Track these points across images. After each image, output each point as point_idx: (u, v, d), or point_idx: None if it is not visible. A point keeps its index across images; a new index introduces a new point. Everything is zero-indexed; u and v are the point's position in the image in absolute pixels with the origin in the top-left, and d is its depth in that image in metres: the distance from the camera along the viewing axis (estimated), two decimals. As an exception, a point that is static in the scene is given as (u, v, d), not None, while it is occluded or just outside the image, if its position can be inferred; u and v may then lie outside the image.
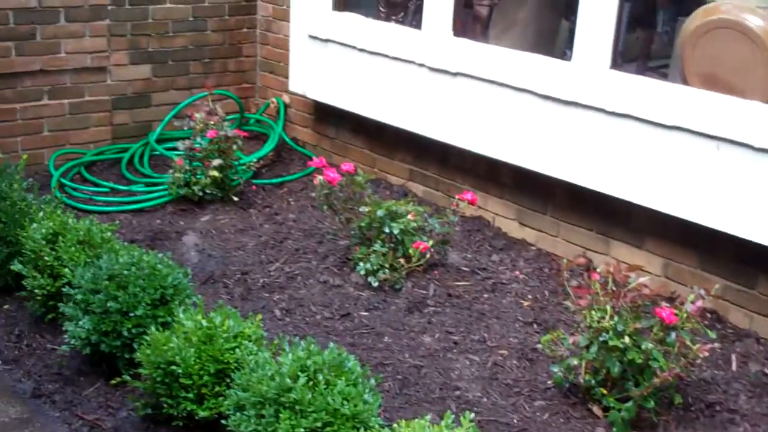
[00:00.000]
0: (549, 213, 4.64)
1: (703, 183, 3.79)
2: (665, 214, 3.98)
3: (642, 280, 3.23)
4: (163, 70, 5.85)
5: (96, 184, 5.30)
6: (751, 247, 3.75)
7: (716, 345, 3.65)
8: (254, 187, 5.31)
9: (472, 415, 2.54)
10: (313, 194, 4.91)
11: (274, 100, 6.12)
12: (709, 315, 3.92)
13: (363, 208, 4.23)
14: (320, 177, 4.25)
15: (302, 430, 2.62)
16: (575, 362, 3.24)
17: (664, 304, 3.19)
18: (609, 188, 4.15)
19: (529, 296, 4.12)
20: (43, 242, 3.81)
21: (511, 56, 4.53)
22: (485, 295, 4.10)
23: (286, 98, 6.09)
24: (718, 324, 3.91)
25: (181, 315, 3.20)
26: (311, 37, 5.49)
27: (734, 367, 3.63)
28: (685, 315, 3.16)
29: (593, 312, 3.20)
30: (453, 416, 2.53)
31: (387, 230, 4.14)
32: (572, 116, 4.21)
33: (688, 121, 3.81)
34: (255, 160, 5.41)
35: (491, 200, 4.90)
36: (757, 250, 3.74)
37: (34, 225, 3.94)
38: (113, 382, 3.40)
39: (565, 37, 5.76)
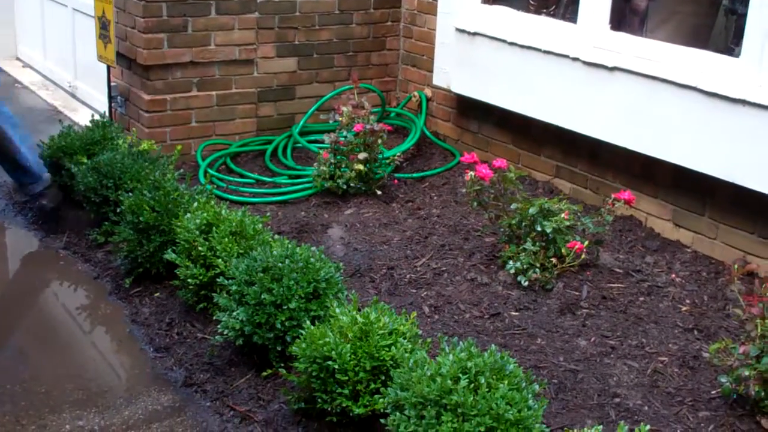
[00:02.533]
0: (707, 214, 4.41)
1: None
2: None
3: (822, 288, 3.02)
4: (307, 63, 5.89)
5: (241, 175, 5.38)
6: None
7: None
8: (396, 181, 5.28)
9: (648, 427, 2.41)
10: (461, 190, 4.85)
11: (416, 93, 6.07)
12: None
13: (514, 205, 4.12)
14: (471, 173, 4.16)
15: (465, 433, 2.56)
16: (746, 373, 3.05)
17: None
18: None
19: (687, 301, 3.93)
20: (197, 232, 3.88)
21: (674, 51, 4.33)
22: (641, 299, 3.94)
23: (428, 92, 6.03)
24: None
25: (337, 309, 3.19)
26: (458, 30, 5.41)
27: None
28: None
29: (766, 321, 3.01)
30: (626, 428, 2.41)
31: (539, 228, 4.02)
32: (739, 114, 3.99)
33: None
34: (398, 154, 5.37)
35: (644, 199, 4.70)
36: None
37: (188, 215, 4.01)
38: (265, 374, 3.42)
39: (720, 32, 5.51)
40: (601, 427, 2.47)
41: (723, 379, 3.16)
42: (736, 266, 3.31)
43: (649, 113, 4.40)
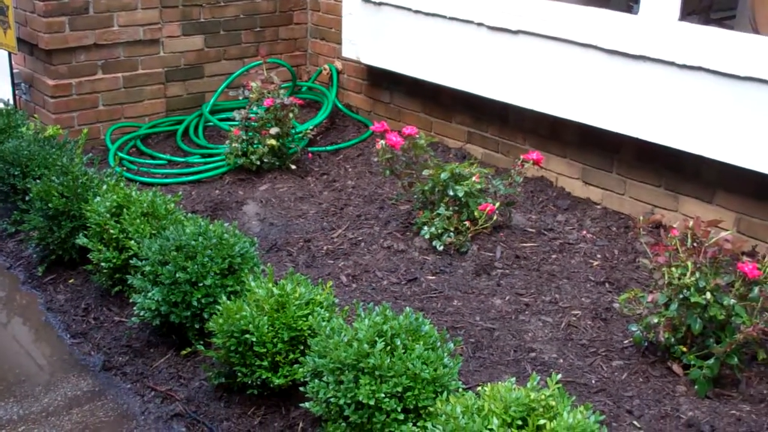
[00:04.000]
0: (615, 171, 4.53)
1: (778, 133, 3.66)
2: (738, 167, 3.85)
3: (723, 235, 3.13)
4: (214, 41, 5.81)
5: (153, 157, 5.30)
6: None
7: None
8: (310, 155, 5.27)
9: (559, 376, 2.48)
10: (374, 159, 4.87)
11: (326, 66, 6.05)
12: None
13: (426, 172, 4.16)
14: (382, 141, 4.18)
15: (382, 395, 2.59)
16: (655, 320, 3.16)
17: (745, 258, 3.09)
18: (678, 143, 4.03)
19: (599, 256, 4.03)
20: (108, 215, 3.81)
21: (575, 11, 4.40)
22: (553, 256, 4.02)
23: (338, 64, 6.02)
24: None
25: (252, 283, 3.18)
26: (364, 0, 5.40)
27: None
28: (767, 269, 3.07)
29: (673, 269, 3.12)
30: (538, 378, 2.47)
31: (451, 193, 4.07)
32: (640, 71, 4.09)
33: (763, 71, 3.66)
34: (311, 127, 5.36)
35: (554, 160, 4.80)
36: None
37: (98, 198, 3.94)
38: (184, 352, 3.40)
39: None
40: (514, 379, 2.52)
41: (633, 328, 3.26)
42: (641, 218, 3.39)
43: (553, 74, 4.48)
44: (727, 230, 3.18)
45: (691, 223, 3.19)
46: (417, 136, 4.21)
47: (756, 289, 3.05)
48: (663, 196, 4.32)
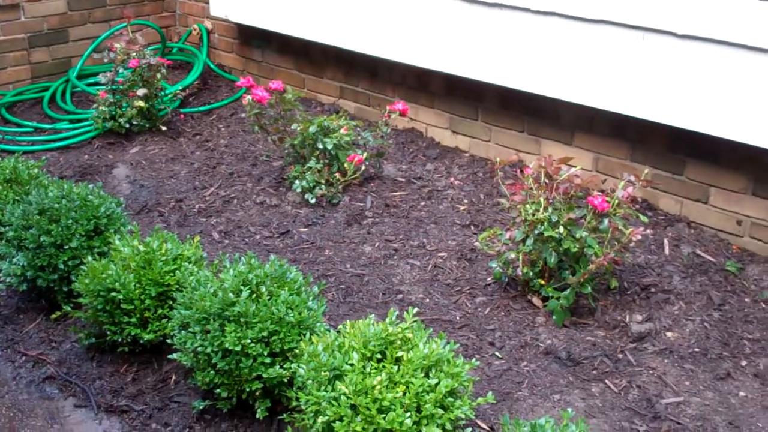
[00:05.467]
0: (480, 119, 4.66)
1: (630, 75, 3.83)
2: (594, 108, 4.02)
3: (573, 171, 3.28)
4: (78, 4, 5.66)
5: (18, 125, 5.16)
6: (680, 134, 3.83)
7: (649, 231, 3.75)
8: (182, 116, 5.22)
9: (415, 310, 2.57)
10: (244, 116, 4.86)
11: (196, 26, 5.99)
12: (640, 203, 4.02)
13: (295, 126, 4.20)
14: (249, 97, 4.19)
15: (248, 340, 2.64)
16: (512, 256, 3.29)
17: (596, 192, 3.24)
18: (537, 88, 4.17)
19: (465, 200, 4.16)
20: (-32, 184, 3.72)
21: (432, -38, 4.48)
22: (422, 203, 4.13)
23: (208, 24, 5.96)
24: (650, 211, 4.00)
25: (118, 242, 3.17)
26: (228, -43, 5.36)
27: (667, 251, 3.73)
28: (616, 202, 3.23)
29: (527, 206, 3.25)
30: (396, 313, 2.56)
31: (320, 146, 4.12)
32: (497, 18, 4.20)
33: (613, 14, 3.82)
34: (181, 88, 5.31)
35: (423, 111, 4.90)
36: (685, 136, 3.81)
37: (-43, 167, 3.83)
38: (54, 316, 3.37)
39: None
40: (373, 315, 2.60)
41: (493, 264, 3.40)
42: (498, 159, 3.52)
43: (417, 26, 4.55)
44: (575, 166, 3.32)
45: (544, 161, 3.33)
46: (284, 90, 4.23)
47: (606, 221, 3.21)
48: (526, 140, 4.47)
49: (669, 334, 3.18)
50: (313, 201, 4.08)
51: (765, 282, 3.54)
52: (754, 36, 3.42)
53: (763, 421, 2.77)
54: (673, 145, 3.95)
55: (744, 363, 3.04)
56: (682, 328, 3.21)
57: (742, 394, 2.89)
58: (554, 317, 3.23)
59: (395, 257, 3.66)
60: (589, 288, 3.20)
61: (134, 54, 4.91)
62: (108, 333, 3.06)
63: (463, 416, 2.38)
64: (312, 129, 4.13)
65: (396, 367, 2.42)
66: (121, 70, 4.90)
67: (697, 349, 3.10)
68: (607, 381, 2.94)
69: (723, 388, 2.92)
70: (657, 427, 2.73)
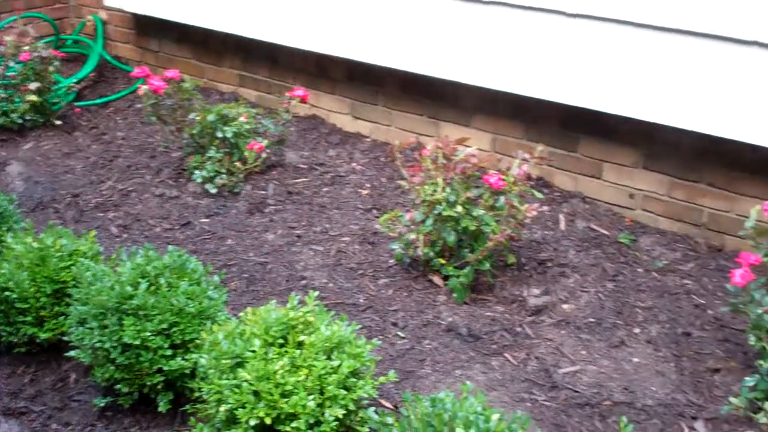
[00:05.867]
0: (381, 104, 4.69)
1: (524, 55, 3.91)
2: (491, 90, 4.09)
3: (469, 150, 3.33)
4: (-38, -4, 5.48)
5: None
6: (573, 112, 3.93)
7: (545, 208, 3.84)
8: (78, 109, 5.11)
9: (316, 293, 2.59)
10: (141, 107, 4.78)
11: (90, 17, 5.85)
12: (537, 181, 4.12)
13: (193, 115, 4.15)
14: (145, 87, 4.12)
15: (148, 333, 2.61)
16: (413, 237, 3.34)
17: (492, 172, 3.31)
18: (436, 71, 4.22)
19: (367, 185, 4.19)
20: None
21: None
22: (324, 189, 4.14)
23: (103, 15, 5.83)
24: (546, 189, 4.10)
25: (10, 240, 3.09)
26: (119, -54, 5.25)
27: (563, 226, 3.84)
28: (512, 180, 3.30)
29: (426, 187, 3.29)
30: (297, 298, 2.57)
31: (220, 135, 4.09)
32: (394, 2, 4.23)
33: (502, -4, 3.90)
34: (75, 81, 5.19)
35: (324, 97, 4.90)
36: (578, 114, 3.92)
37: None
38: (-53, 319, 3.26)
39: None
40: (274, 301, 2.61)
41: (394, 246, 3.44)
42: (397, 142, 3.55)
43: (317, 11, 4.54)
44: (471, 147, 3.37)
45: (441, 143, 3.38)
46: (181, 79, 4.18)
47: (502, 199, 3.28)
48: (426, 123, 4.52)
49: (565, 306, 3.28)
50: (214, 191, 4.05)
51: (657, 252, 3.67)
52: (640, 13, 3.53)
53: (656, 384, 2.88)
54: (567, 123, 4.05)
55: (637, 330, 3.15)
56: (577, 300, 3.31)
57: (635, 360, 3.00)
58: (455, 295, 3.29)
59: (298, 244, 3.67)
60: (488, 265, 3.27)
61: (25, 47, 4.77)
62: (3, 334, 2.99)
63: (366, 396, 2.41)
64: (211, 117, 4.09)
65: (298, 351, 2.43)
66: (12, 64, 4.75)
67: (592, 319, 3.20)
68: (506, 354, 3.01)
69: (617, 355, 3.03)
70: (555, 396, 2.81)
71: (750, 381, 2.76)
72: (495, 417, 2.20)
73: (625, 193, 3.97)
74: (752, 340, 2.76)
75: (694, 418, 2.72)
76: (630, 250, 3.68)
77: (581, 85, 3.78)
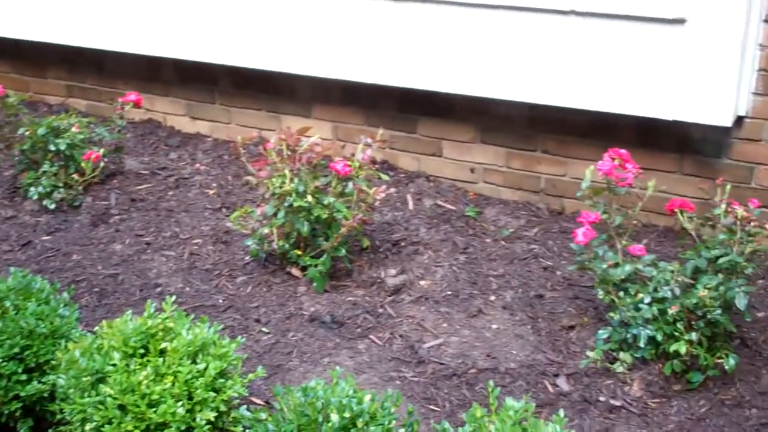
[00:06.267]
0: (218, 102, 4.62)
1: (355, 41, 3.94)
2: (327, 78, 4.11)
3: (312, 140, 3.34)
4: None
5: None
6: (408, 94, 4.00)
7: (393, 190, 3.93)
8: None
9: (173, 297, 2.54)
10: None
11: None
12: (381, 164, 4.18)
13: (22, 130, 3.96)
14: (-38, 106, 3.91)
15: (0, 360, 2.49)
16: (266, 231, 3.32)
17: (337, 159, 3.33)
18: (269, 64, 4.20)
19: (214, 185, 4.13)
20: None
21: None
22: (170, 193, 4.05)
23: None
24: (391, 171, 4.16)
25: None
26: None
27: (411, 206, 3.91)
28: (357, 165, 3.34)
29: (274, 180, 3.28)
30: (154, 305, 2.51)
31: (53, 148, 3.93)
32: (219, -2, 4.19)
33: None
34: None
35: (159, 100, 4.78)
36: (413, 96, 4.00)
37: None
38: None
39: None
40: (130, 311, 2.54)
41: (249, 242, 3.41)
42: (239, 138, 3.52)
43: (139, 11, 4.42)
44: (314, 136, 3.38)
45: (284, 134, 3.37)
46: (5, 95, 3.99)
47: (350, 184, 3.31)
48: (266, 118, 4.50)
49: (422, 282, 3.35)
50: (52, 206, 3.89)
51: (502, 222, 3.81)
52: (462, -7, 3.64)
53: (516, 348, 2.99)
54: (404, 106, 4.13)
55: (493, 298, 3.26)
56: (433, 275, 3.39)
57: (494, 326, 3.11)
58: (315, 284, 3.30)
59: (149, 251, 3.58)
60: (344, 251, 3.29)
61: None
62: None
63: (236, 395, 2.39)
64: (41, 131, 3.92)
65: (161, 359, 2.37)
66: None
67: (449, 292, 3.28)
68: (371, 336, 3.05)
69: (477, 324, 3.12)
70: (423, 371, 2.88)
71: (603, 334, 2.92)
72: (367, 398, 2.23)
73: (466, 168, 4.09)
74: (601, 294, 2.91)
75: (556, 375, 2.85)
76: (477, 222, 3.79)
77: (413, 67, 3.85)
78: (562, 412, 2.10)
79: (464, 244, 3.60)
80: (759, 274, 3.38)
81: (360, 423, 2.16)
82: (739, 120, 3.49)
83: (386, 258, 3.51)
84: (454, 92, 3.85)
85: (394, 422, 2.21)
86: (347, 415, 2.15)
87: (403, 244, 3.60)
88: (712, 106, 3.35)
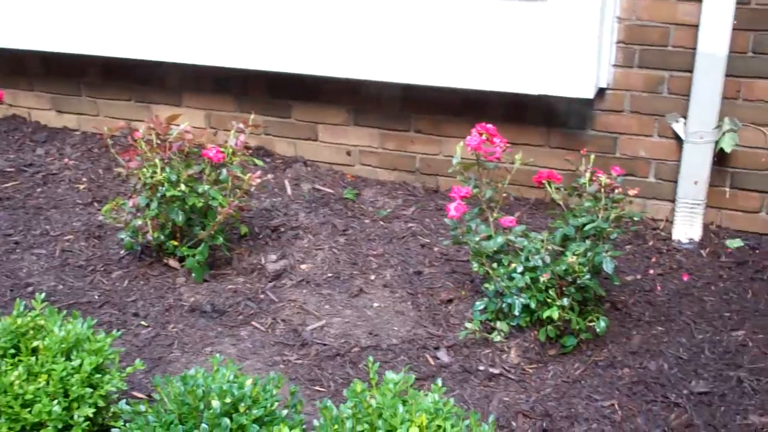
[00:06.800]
0: (85, 94, 4.49)
1: (223, 25, 3.89)
2: (197, 65, 4.05)
3: (182, 127, 3.29)
4: None
5: None
6: (280, 79, 3.99)
7: (270, 176, 3.92)
8: None
9: (43, 295, 2.46)
10: None
11: None
12: (258, 150, 4.16)
13: None
14: None
15: None
16: (140, 223, 3.25)
17: (210, 146, 3.28)
18: (138, 53, 4.10)
19: (84, 179, 4.01)
20: None
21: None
22: (38, 190, 3.92)
23: None
24: (268, 157, 4.15)
25: None
26: None
27: (289, 191, 3.90)
28: (231, 151, 3.30)
29: (145, 170, 3.21)
30: (23, 304, 2.43)
31: None
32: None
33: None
34: None
35: (22, 94, 4.61)
36: (285, 80, 3.98)
37: None
38: None
39: None
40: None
41: (122, 236, 3.33)
42: (106, 129, 3.42)
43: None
44: (182, 123, 3.32)
45: (153, 123, 3.30)
46: None
47: (224, 171, 3.27)
48: (136, 108, 4.40)
49: (303, 266, 3.35)
50: None
51: (380, 202, 3.84)
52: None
53: (397, 324, 3.03)
54: (276, 91, 4.11)
55: (373, 277, 3.29)
56: (314, 259, 3.39)
57: (376, 305, 3.14)
58: (193, 274, 3.26)
59: (18, 251, 3.45)
60: (221, 239, 3.26)
61: None
62: None
63: (114, 389, 2.34)
64: None
65: (34, 358, 2.30)
66: None
67: (330, 274, 3.30)
68: (253, 323, 3.04)
69: (358, 303, 3.15)
70: (306, 353, 2.88)
71: (480, 305, 2.99)
72: (248, 382, 2.22)
73: (342, 151, 4.11)
74: (475, 266, 2.97)
75: (437, 348, 2.90)
76: (355, 204, 3.82)
77: (280, 51, 3.84)
78: (440, 382, 2.14)
79: (343, 226, 3.62)
80: (627, 240, 3.53)
81: (242, 407, 2.15)
82: (602, 92, 3.62)
83: (266, 244, 3.49)
84: (323, 75, 3.85)
85: (276, 404, 2.21)
86: (228, 400, 2.14)
87: (282, 229, 3.60)
88: (573, 79, 3.47)
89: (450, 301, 3.15)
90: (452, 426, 2.06)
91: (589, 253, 2.79)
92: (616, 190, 2.87)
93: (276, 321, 3.04)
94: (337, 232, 3.57)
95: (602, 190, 2.86)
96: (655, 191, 3.68)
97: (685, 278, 3.28)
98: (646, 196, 3.70)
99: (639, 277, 3.29)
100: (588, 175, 2.95)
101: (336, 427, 2.08)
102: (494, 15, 3.50)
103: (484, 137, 2.96)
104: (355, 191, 3.91)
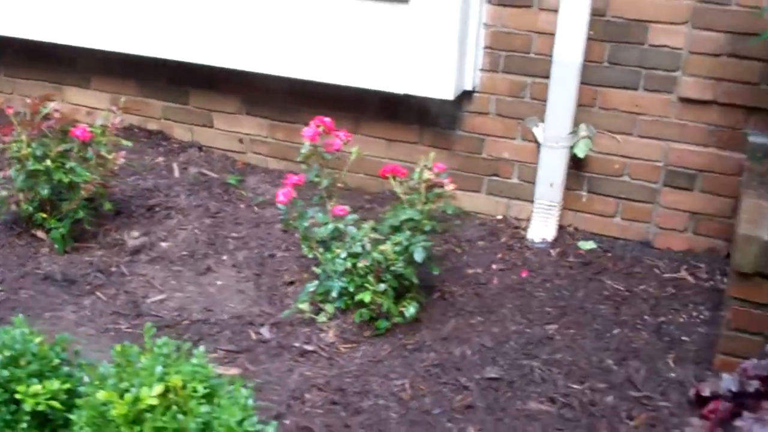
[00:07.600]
0: (3, 73, 4.69)
1: (130, 12, 4.06)
2: (103, 51, 4.23)
3: (52, 105, 3.47)
4: None
5: None
6: (180, 68, 4.16)
7: (161, 159, 4.10)
8: None
9: None
10: None
11: None
12: (156, 135, 4.34)
13: None
14: None
15: None
16: (4, 193, 3.44)
17: (78, 124, 3.46)
18: (53, 36, 4.28)
19: (-15, 153, 4.20)
20: None
21: None
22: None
23: None
24: (165, 141, 4.33)
25: None
26: None
27: (177, 174, 4.08)
28: (100, 131, 3.48)
29: (14, 144, 3.40)
30: None
31: None
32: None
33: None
34: None
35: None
36: (185, 69, 4.15)
37: None
38: None
39: None
40: None
41: (-9, 206, 3.52)
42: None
43: None
44: (54, 101, 3.51)
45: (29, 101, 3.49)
46: None
47: (90, 150, 3.45)
48: (50, 89, 4.57)
49: (163, 243, 3.53)
50: None
51: (261, 189, 4.01)
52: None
53: (235, 302, 3.20)
54: (177, 78, 4.28)
55: (225, 257, 3.46)
56: (175, 237, 3.57)
57: (219, 283, 3.31)
58: (56, 246, 3.44)
59: None
60: (82, 213, 3.43)
61: None
62: None
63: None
64: None
65: None
66: None
67: (185, 253, 3.47)
68: (98, 293, 3.21)
69: (203, 281, 3.32)
70: (139, 323, 3.04)
71: (311, 287, 3.15)
72: (37, 340, 2.40)
73: (235, 139, 4.28)
74: (305, 250, 3.14)
75: (262, 325, 3.07)
76: (237, 190, 3.99)
77: (182, 41, 4.01)
78: (204, 348, 2.30)
79: (216, 209, 3.79)
80: (480, 236, 3.68)
81: (23, 362, 2.33)
82: (469, 94, 3.77)
83: (137, 222, 3.67)
84: (218, 65, 4.02)
85: (59, 362, 2.38)
86: (8, 354, 2.32)
87: (157, 209, 3.77)
88: (435, 80, 3.63)
89: (292, 282, 3.31)
90: (204, 387, 2.23)
91: (405, 243, 2.95)
92: (436, 187, 3.03)
93: (119, 292, 3.22)
94: (207, 214, 3.74)
95: (422, 184, 3.02)
96: (518, 192, 3.83)
97: (524, 274, 3.43)
98: (510, 197, 3.85)
99: (480, 270, 3.45)
100: (418, 170, 3.11)
101: (98, 383, 2.25)
102: (364, 16, 3.66)
103: (320, 129, 3.12)
104: (239, 177, 4.08)
